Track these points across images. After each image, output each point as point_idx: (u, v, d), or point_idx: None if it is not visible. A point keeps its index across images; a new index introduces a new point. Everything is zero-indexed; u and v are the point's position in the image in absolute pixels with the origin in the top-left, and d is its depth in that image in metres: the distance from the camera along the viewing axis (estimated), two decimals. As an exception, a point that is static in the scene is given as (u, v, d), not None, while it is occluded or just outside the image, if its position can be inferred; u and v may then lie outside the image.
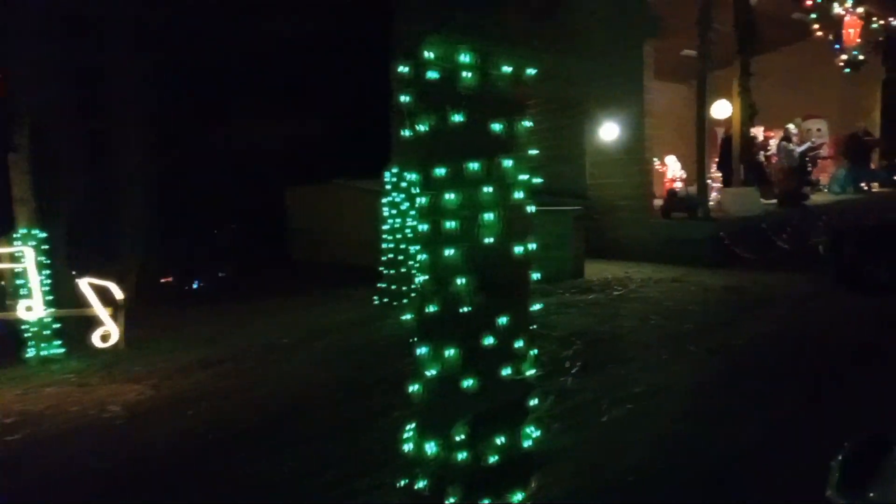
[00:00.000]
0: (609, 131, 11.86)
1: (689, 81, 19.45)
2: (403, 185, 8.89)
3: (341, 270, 11.88)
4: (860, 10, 13.96)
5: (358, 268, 11.30)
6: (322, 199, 14.62)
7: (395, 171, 8.89)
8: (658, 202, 12.21)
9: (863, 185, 16.10)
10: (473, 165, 2.63)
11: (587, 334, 6.47)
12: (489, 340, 2.65)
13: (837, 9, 13.72)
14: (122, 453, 4.51)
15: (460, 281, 2.62)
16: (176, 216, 13.99)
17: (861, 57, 14.18)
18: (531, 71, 2.81)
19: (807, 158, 14.88)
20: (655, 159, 14.26)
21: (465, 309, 2.64)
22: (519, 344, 2.77)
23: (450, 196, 2.66)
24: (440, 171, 2.67)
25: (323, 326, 8.17)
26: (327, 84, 16.97)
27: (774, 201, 13.45)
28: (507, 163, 2.69)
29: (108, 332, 6.83)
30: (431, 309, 2.72)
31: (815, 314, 7.14)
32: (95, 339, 6.82)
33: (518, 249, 2.73)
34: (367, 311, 8.72)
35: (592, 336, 6.40)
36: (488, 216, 2.64)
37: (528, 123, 2.78)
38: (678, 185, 13.87)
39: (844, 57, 13.92)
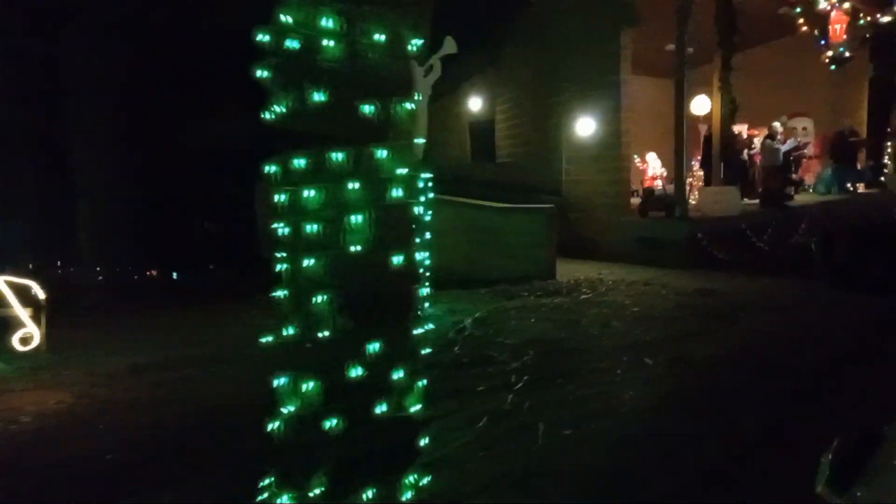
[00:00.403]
0: (585, 126, 11.35)
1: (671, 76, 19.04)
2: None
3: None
4: (846, 5, 13.47)
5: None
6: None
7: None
8: (636, 201, 11.71)
9: (848, 185, 15.66)
10: (337, 156, 2.11)
11: (542, 343, 5.96)
12: (356, 371, 2.14)
13: (823, 4, 13.23)
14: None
15: (319, 298, 2.10)
16: (144, 214, 13.39)
17: (847, 53, 13.70)
18: (417, 42, 2.28)
19: (791, 158, 14.41)
20: (636, 156, 13.79)
21: (324, 333, 2.12)
22: (398, 375, 2.26)
23: (310, 193, 2.14)
24: (299, 163, 2.15)
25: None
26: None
27: (757, 201, 12.99)
28: (381, 153, 2.17)
29: (28, 334, 6.28)
30: (290, 331, 2.20)
31: (789, 321, 6.66)
32: (15, 342, 6.27)
33: (396, 259, 2.21)
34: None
35: (548, 345, 5.89)
36: (355, 218, 2.12)
37: (409, 106, 2.25)
38: (658, 183, 13.39)
39: (830, 53, 13.44)
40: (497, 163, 14.45)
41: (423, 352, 2.46)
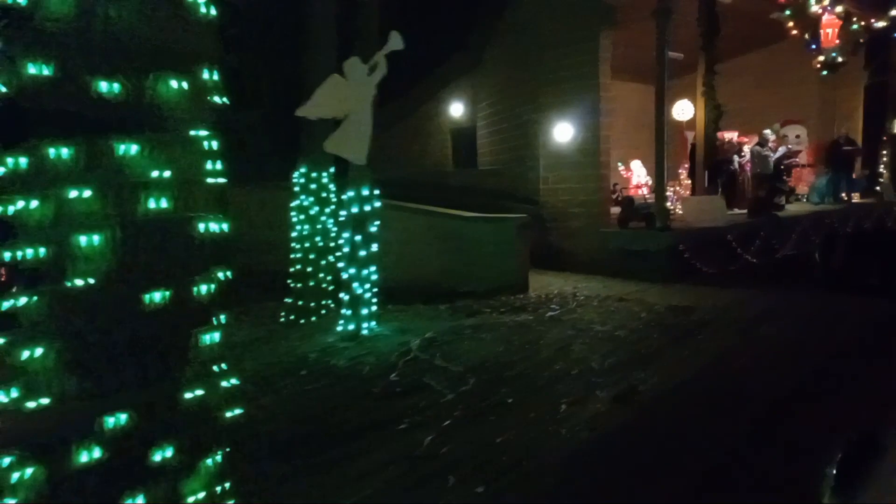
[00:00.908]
0: (563, 132, 10.72)
1: (668, 83, 18.41)
2: (313, 186, 7.73)
3: (272, 278, 10.63)
4: (839, 9, 12.86)
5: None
6: (251, 201, 12.99)
7: (303, 170, 7.72)
8: (616, 210, 11.07)
9: (843, 194, 15.01)
10: (60, 152, 1.49)
11: (490, 369, 5.32)
12: (83, 456, 1.51)
13: (814, 7, 12.62)
14: None
15: (31, 352, 1.48)
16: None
17: (840, 59, 13.08)
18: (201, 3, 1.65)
19: (782, 166, 13.77)
20: (620, 164, 13.18)
21: (43, 401, 1.50)
22: (156, 458, 1.63)
23: (27, 203, 1.52)
24: (8, 162, 1.53)
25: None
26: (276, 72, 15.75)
27: (745, 211, 12.35)
28: (127, 148, 1.55)
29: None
30: (11, 394, 1.57)
31: (765, 343, 6.00)
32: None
33: (156, 296, 1.59)
34: (265, 329, 7.54)
35: (495, 371, 5.25)
36: (87, 239, 1.50)
37: (178, 84, 1.62)
38: (643, 192, 12.76)
39: (822, 58, 12.82)
40: (479, 170, 13.84)
41: (219, 416, 1.83)
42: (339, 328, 6.48)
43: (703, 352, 5.61)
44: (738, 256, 10.80)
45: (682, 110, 11.81)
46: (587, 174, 10.61)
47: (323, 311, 7.77)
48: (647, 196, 12.08)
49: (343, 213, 6.36)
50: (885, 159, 15.93)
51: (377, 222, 6.51)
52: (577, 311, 7.65)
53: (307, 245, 7.78)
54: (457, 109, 15.05)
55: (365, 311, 6.40)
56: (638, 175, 12.82)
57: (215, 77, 1.66)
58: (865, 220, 14.16)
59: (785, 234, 11.94)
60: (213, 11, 1.70)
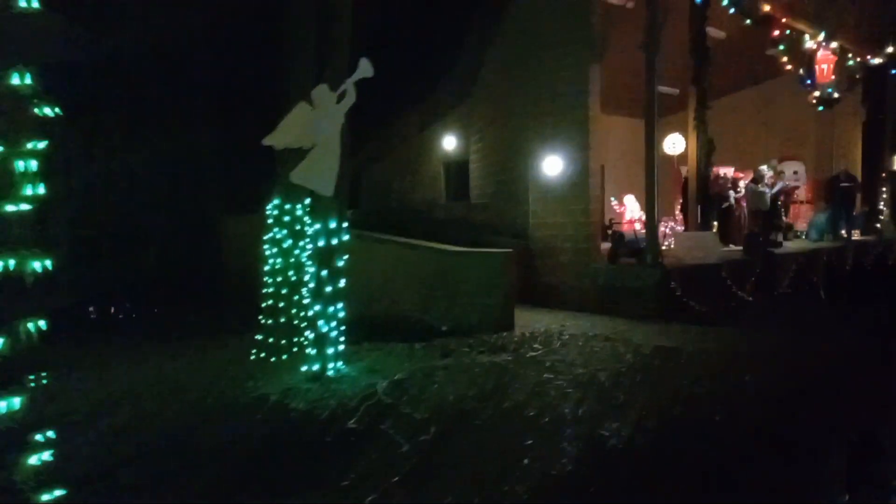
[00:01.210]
0: (552, 165, 10.45)
1: (663, 119, 18.24)
2: (287, 218, 7.44)
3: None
4: (834, 45, 12.69)
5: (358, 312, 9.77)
6: (253, 231, 12.73)
7: (276, 202, 7.44)
8: (607, 245, 10.73)
9: (842, 231, 14.64)
10: None
11: (453, 417, 4.94)
12: None
13: (809, 43, 12.46)
14: None
15: None
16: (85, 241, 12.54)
17: (836, 94, 12.86)
18: None
19: (779, 203, 13.45)
20: (613, 199, 12.88)
21: None
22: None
23: None
24: None
25: (171, 381, 6.63)
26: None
27: (741, 247, 11.99)
28: None
29: None
30: None
31: (750, 394, 5.59)
32: None
33: None
34: (235, 366, 7.18)
35: (458, 420, 4.88)
36: None
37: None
38: (637, 227, 12.41)
39: (817, 93, 12.60)
40: (470, 203, 13.57)
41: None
42: (305, 368, 6.10)
43: (683, 401, 5.21)
44: (732, 294, 10.41)
45: (674, 144, 11.54)
46: (576, 208, 10.30)
47: (295, 349, 7.40)
48: (639, 231, 11.76)
49: (310, 246, 6.05)
50: (884, 196, 15.60)
51: (345, 256, 6.18)
52: (560, 352, 7.25)
53: (279, 279, 7.45)
54: (449, 142, 14.84)
55: (331, 351, 6.03)
56: (631, 210, 12.48)
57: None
58: (865, 257, 13.77)
59: (781, 271, 11.56)
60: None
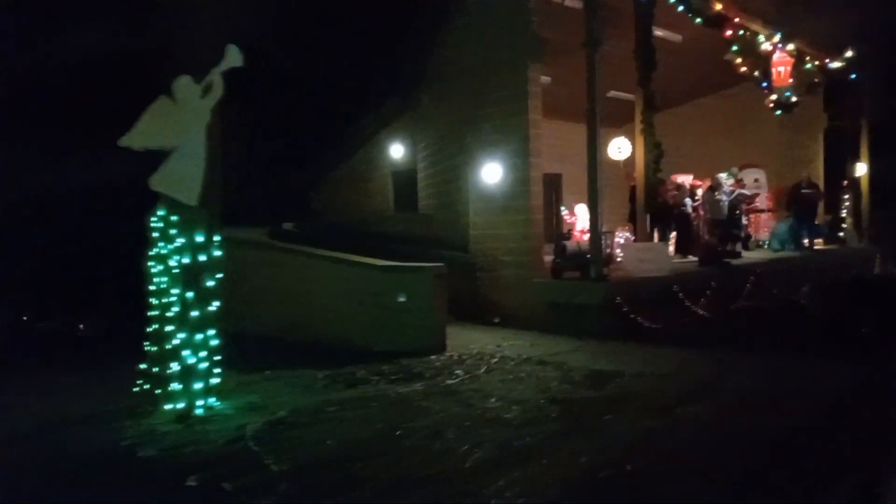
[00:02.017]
0: (491, 173, 9.64)
1: (623, 126, 17.57)
2: (174, 231, 6.46)
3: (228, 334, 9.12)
4: (790, 47, 12.07)
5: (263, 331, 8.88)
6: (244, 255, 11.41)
7: (161, 213, 6.47)
8: (550, 258, 9.90)
9: (805, 241, 13.98)
10: None
11: (324, 468, 4.06)
12: None
13: (765, 44, 11.82)
14: None
15: None
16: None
17: (794, 98, 12.21)
18: None
19: (738, 211, 12.76)
20: (564, 208, 12.11)
21: None
22: None
23: None
24: None
25: (24, 425, 5.61)
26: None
27: (697, 259, 11.25)
28: None
29: None
30: None
31: (690, 432, 4.73)
32: None
33: None
34: (113, 402, 6.17)
35: (328, 472, 3.99)
36: None
37: None
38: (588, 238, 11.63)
39: (774, 97, 11.94)
40: (413, 215, 12.73)
41: None
42: (169, 406, 5.14)
43: (604, 446, 4.33)
44: (685, 310, 9.62)
45: (620, 149, 10.76)
46: (517, 219, 9.48)
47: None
48: (584, 243, 10.99)
49: (173, 263, 5.12)
50: (846, 205, 15.02)
51: (218, 275, 5.26)
52: (482, 379, 6.37)
53: (165, 300, 6.47)
54: (397, 151, 14.03)
55: (199, 386, 5.09)
56: (583, 220, 11.73)
57: None
58: (829, 268, 13.11)
59: (739, 284, 10.82)
60: None
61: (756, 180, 15.62)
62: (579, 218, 11.76)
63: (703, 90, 16.29)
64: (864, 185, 15.52)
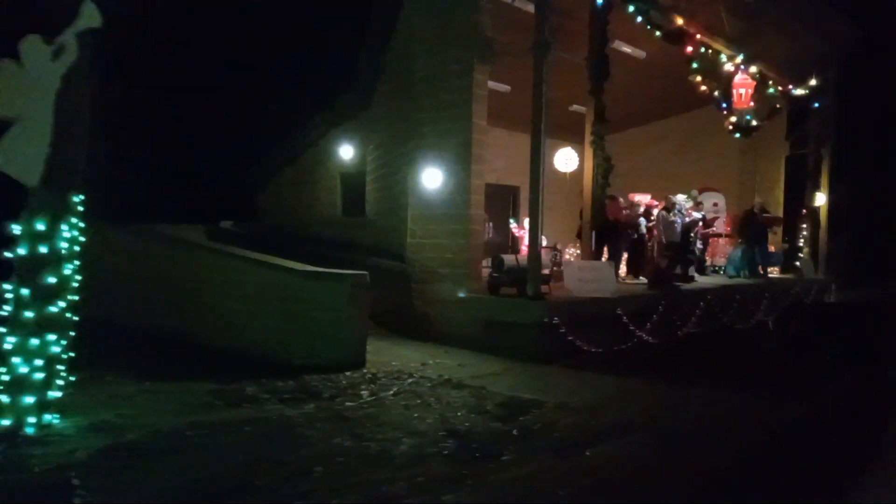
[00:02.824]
0: (431, 178, 8.96)
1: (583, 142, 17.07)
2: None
3: (115, 336, 8.26)
4: (753, 69, 11.64)
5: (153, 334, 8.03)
6: (129, 247, 10.48)
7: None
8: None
9: (760, 268, 13.53)
10: None
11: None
12: None
13: (727, 64, 11.37)
14: None
15: None
16: None
17: (754, 122, 11.78)
18: None
19: (692, 234, 12.25)
20: (513, 221, 11.47)
21: None
22: None
23: None
24: None
25: None
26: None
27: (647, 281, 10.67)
28: None
29: None
30: None
31: (601, 477, 4.04)
32: None
33: None
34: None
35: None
36: None
37: None
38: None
39: (734, 119, 11.48)
40: (355, 221, 11.99)
41: None
42: (-4, 423, 4.30)
43: (489, 498, 3.62)
44: (630, 334, 9.02)
45: (567, 160, 10.11)
46: (455, 229, 8.80)
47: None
48: (517, 257, 10.37)
49: (9, 254, 4.29)
50: (804, 233, 14.65)
51: (69, 267, 4.45)
52: (385, 404, 5.63)
53: None
54: (347, 152, 13.23)
55: (31, 400, 4.26)
56: (532, 234, 11.07)
57: None
58: (780, 297, 12.65)
59: (689, 309, 10.27)
60: None
61: (715, 204, 15.23)
62: (528, 231, 11.08)
63: (665, 111, 15.90)
64: (823, 215, 15.19)
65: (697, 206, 13.74)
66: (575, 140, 16.35)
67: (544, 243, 11.34)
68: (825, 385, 7.08)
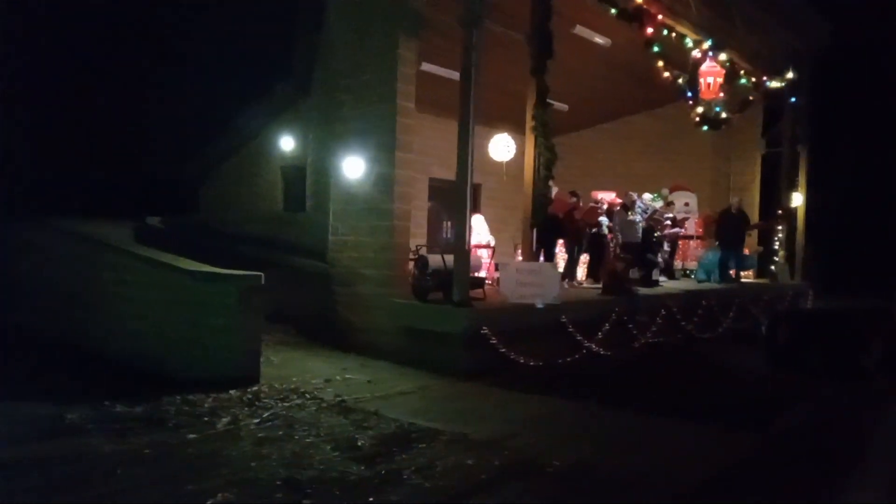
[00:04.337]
0: (353, 167, 7.88)
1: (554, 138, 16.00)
2: None
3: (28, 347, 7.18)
4: (723, 56, 10.61)
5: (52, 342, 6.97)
6: (35, 245, 9.33)
7: None
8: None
9: (732, 272, 12.50)
10: None
11: None
12: None
13: (694, 51, 10.34)
14: None
15: None
16: None
17: (724, 115, 10.74)
18: None
19: (655, 234, 11.22)
20: (459, 219, 10.35)
21: None
22: None
23: None
24: None
25: None
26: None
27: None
28: None
29: None
30: None
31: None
32: None
33: None
34: None
35: None
36: None
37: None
38: (483, 253, 9.95)
39: (700, 110, 10.45)
40: (302, 215, 10.86)
41: None
42: None
43: None
44: (577, 345, 7.95)
45: (507, 147, 8.91)
46: (378, 225, 7.71)
47: None
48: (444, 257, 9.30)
49: None
50: (779, 236, 13.65)
51: None
52: (240, 434, 4.54)
53: None
54: (288, 144, 12.14)
55: None
56: (478, 233, 10.01)
57: None
58: (753, 303, 11.64)
59: (646, 317, 9.21)
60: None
61: (686, 204, 14.18)
62: (474, 230, 10.01)
63: (634, 106, 14.87)
64: (801, 217, 14.20)
65: (668, 205, 12.75)
66: (509, 125, 15.36)
67: (491, 243, 10.34)
68: (793, 406, 6.06)
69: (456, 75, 10.86)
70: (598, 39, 11.21)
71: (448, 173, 8.92)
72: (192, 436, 4.45)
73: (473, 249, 9.97)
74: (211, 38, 12.70)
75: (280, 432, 4.58)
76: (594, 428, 5.22)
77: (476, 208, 13.82)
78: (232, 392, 5.75)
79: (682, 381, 7.35)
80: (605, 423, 5.39)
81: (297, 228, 9.95)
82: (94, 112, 12.38)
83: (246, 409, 5.24)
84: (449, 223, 12.89)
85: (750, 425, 5.34)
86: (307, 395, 5.76)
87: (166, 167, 13.43)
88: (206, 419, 4.84)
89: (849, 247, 16.08)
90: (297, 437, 4.48)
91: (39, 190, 11.61)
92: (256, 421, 4.86)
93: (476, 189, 14.31)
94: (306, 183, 11.42)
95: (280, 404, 5.40)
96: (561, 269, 10.11)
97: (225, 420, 4.85)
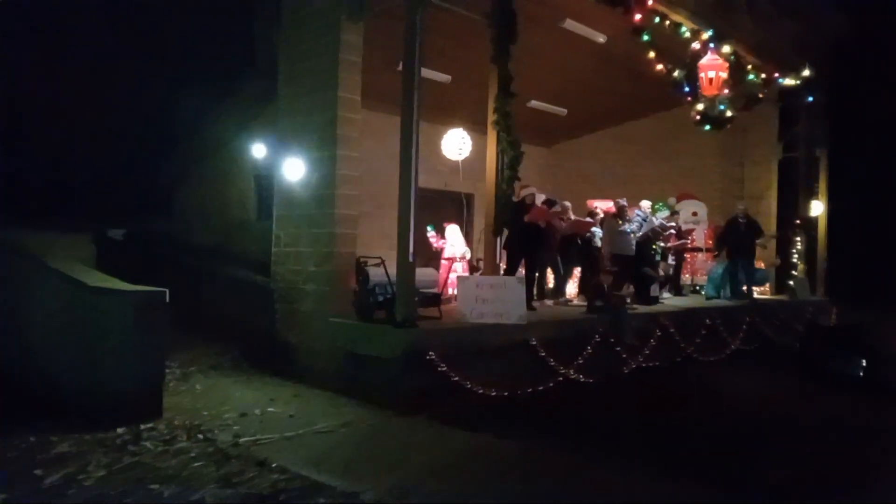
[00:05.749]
0: (293, 168, 6.96)
1: (552, 146, 14.99)
2: None
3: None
4: (726, 49, 9.44)
5: None
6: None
7: None
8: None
9: (744, 287, 11.18)
10: None
11: None
12: None
13: (693, 42, 9.21)
14: None
15: None
16: None
17: (729, 113, 9.54)
18: None
19: (655, 246, 10.04)
20: (430, 229, 9.33)
21: None
22: None
23: None
24: None
25: None
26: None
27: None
28: None
29: None
30: None
31: None
32: None
33: None
34: None
35: None
36: None
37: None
38: (460, 266, 8.91)
39: (700, 107, 9.27)
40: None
41: None
42: None
43: None
44: (549, 371, 6.83)
45: (463, 142, 7.75)
46: (319, 234, 6.75)
47: None
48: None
49: None
50: (797, 248, 12.31)
51: None
52: (69, 490, 3.56)
53: None
54: (260, 150, 11.27)
55: None
56: (453, 244, 8.97)
57: None
58: (763, 324, 10.33)
59: (636, 338, 8.03)
60: None
61: (694, 214, 12.90)
62: (449, 242, 8.99)
63: (636, 110, 13.73)
64: (821, 227, 12.85)
65: (672, 215, 11.53)
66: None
67: (466, 255, 9.28)
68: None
69: (445, 77, 10.04)
70: (593, 35, 10.16)
71: (427, 180, 7.98)
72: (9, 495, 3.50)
73: (444, 263, 8.99)
74: (178, 31, 12.01)
75: (119, 488, 3.59)
76: (527, 481, 4.11)
77: (469, 218, 12.81)
78: (118, 430, 4.82)
79: (674, 410, 6.20)
80: (551, 473, 4.28)
81: (247, 237, 9.06)
82: (49, 114, 11.75)
83: (112, 454, 4.28)
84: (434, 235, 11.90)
85: (737, 481, 4.19)
86: (201, 437, 4.79)
87: (137, 173, 12.72)
88: (38, 471, 3.88)
89: (875, 258, 14.59)
90: (127, 502, 3.48)
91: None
92: (102, 474, 3.88)
93: (469, 199, 13.28)
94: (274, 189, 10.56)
95: (157, 449, 4.44)
96: (551, 285, 9.08)
97: (71, 470, 3.90)
